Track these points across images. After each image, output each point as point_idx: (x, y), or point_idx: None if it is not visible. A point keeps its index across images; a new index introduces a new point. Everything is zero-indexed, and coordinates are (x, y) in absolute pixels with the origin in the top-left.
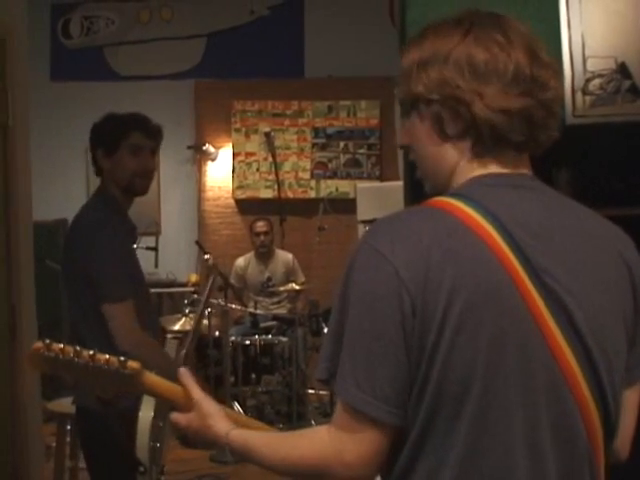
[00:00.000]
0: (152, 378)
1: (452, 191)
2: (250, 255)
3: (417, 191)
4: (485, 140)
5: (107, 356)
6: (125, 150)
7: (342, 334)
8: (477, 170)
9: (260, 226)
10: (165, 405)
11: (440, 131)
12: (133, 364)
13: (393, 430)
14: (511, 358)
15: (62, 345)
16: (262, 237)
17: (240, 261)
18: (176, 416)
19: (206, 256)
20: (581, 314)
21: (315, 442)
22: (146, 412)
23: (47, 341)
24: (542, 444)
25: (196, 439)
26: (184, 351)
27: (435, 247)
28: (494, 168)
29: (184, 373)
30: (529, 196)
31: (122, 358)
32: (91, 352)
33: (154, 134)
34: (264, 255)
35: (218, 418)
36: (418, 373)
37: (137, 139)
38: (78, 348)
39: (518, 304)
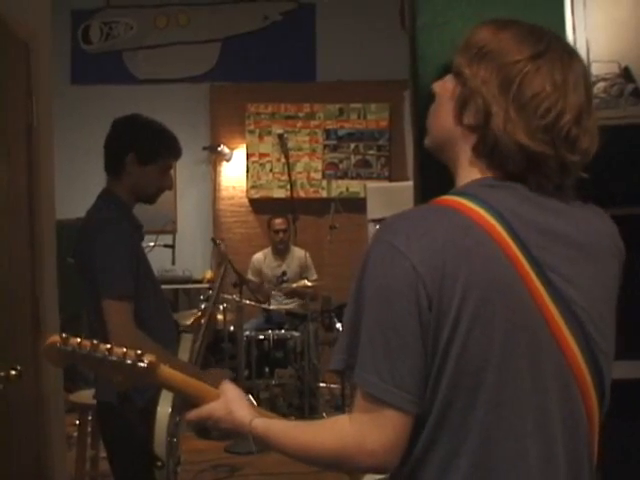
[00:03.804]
0: (168, 371)
1: (458, 190)
2: (267, 250)
3: (426, 191)
4: (486, 146)
5: (124, 349)
6: (157, 167)
7: (359, 327)
8: (477, 174)
9: (279, 223)
10: (182, 399)
11: (458, 113)
12: (150, 357)
13: (413, 419)
14: (522, 350)
15: (79, 339)
16: (281, 234)
17: (258, 255)
18: (195, 411)
19: (218, 241)
20: (582, 305)
21: (337, 432)
22: (164, 407)
23: (64, 335)
24: (552, 430)
25: (217, 428)
26: (198, 343)
27: (450, 245)
28: (491, 173)
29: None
30: (527, 195)
31: (139, 351)
32: (108, 346)
33: (179, 156)
34: (281, 251)
35: (242, 405)
36: (433, 365)
37: (170, 162)
38: (95, 342)
39: (527, 299)
